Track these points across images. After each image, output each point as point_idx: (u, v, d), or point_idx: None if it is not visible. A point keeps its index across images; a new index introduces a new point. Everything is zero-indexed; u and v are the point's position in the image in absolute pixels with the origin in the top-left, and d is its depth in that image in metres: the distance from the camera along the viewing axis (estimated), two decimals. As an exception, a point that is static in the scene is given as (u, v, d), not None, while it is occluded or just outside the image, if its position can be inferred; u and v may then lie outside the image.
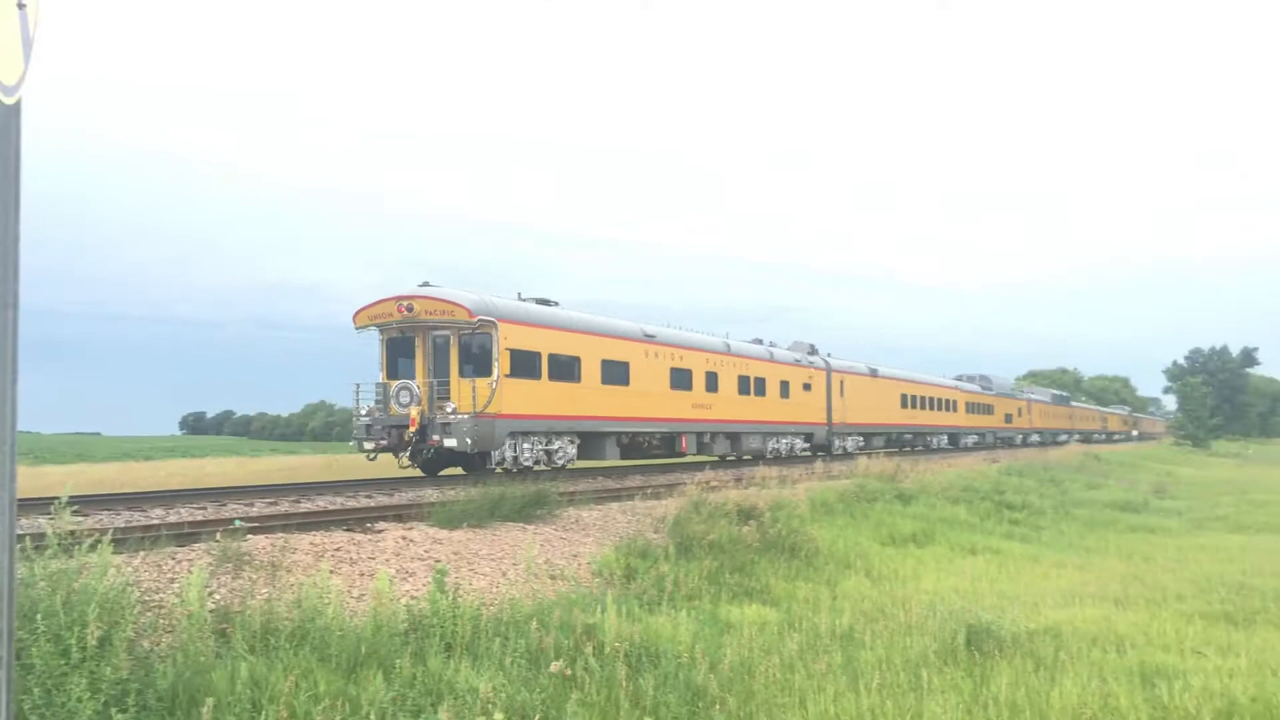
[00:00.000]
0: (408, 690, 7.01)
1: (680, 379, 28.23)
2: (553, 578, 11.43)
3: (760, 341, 36.01)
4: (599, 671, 7.75)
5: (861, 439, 42.64)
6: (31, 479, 20.69)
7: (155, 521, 12.44)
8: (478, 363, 21.33)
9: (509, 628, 8.50)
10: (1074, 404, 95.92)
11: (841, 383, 40.79)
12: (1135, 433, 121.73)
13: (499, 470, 21.43)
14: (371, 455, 21.58)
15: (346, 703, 6.59)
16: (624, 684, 7.60)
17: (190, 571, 8.21)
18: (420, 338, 21.85)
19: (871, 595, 12.73)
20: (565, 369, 23.47)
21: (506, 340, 21.40)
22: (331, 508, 15.33)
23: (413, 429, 20.41)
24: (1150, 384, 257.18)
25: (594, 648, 8.14)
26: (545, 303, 24.45)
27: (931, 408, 51.88)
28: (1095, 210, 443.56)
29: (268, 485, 20.90)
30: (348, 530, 12.31)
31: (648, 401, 26.53)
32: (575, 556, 12.61)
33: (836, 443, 40.02)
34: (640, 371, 26.34)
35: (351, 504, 16.14)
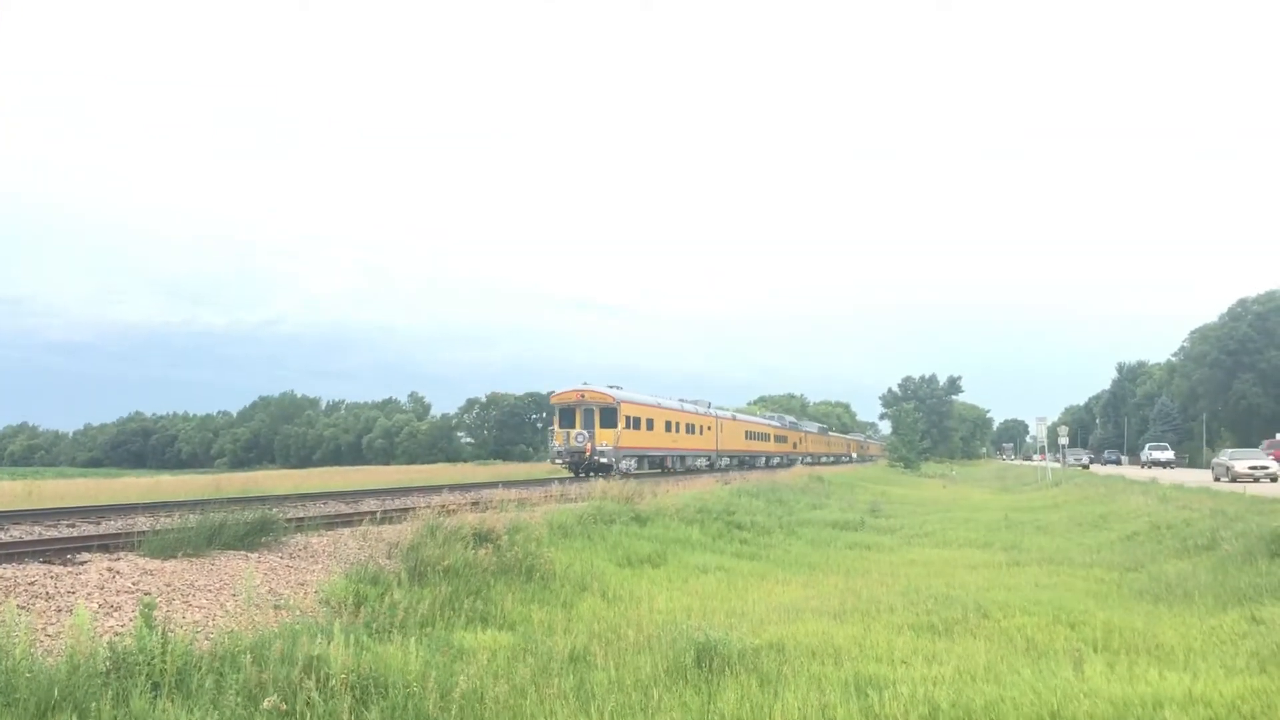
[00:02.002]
0: (106, 735, 6.46)
1: (670, 426, 51.43)
2: (277, 608, 10.86)
3: (684, 400, 57.72)
4: (321, 705, 7.41)
5: (728, 459, 64.21)
6: None
7: None
8: (611, 422, 43.29)
9: (225, 663, 8.00)
10: (830, 434, 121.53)
11: (721, 424, 63.02)
12: (855, 455, 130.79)
13: (617, 475, 36.16)
14: (563, 466, 44.58)
15: (33, 752, 6.01)
16: (348, 717, 7.30)
17: None
18: (578, 410, 43.68)
19: (606, 616, 12.81)
20: (637, 423, 45.87)
21: (624, 411, 44.14)
22: (27, 538, 14.12)
23: (588, 454, 42.44)
24: (868, 409, 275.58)
25: (318, 680, 7.77)
26: (617, 388, 45.61)
27: (759, 439, 75.12)
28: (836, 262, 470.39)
29: (-48, 515, 19.08)
30: (45, 562, 11.30)
31: (661, 440, 49.81)
32: (302, 585, 12.04)
33: (719, 461, 61.48)
34: (657, 423, 49.26)
35: (51, 534, 14.92)
